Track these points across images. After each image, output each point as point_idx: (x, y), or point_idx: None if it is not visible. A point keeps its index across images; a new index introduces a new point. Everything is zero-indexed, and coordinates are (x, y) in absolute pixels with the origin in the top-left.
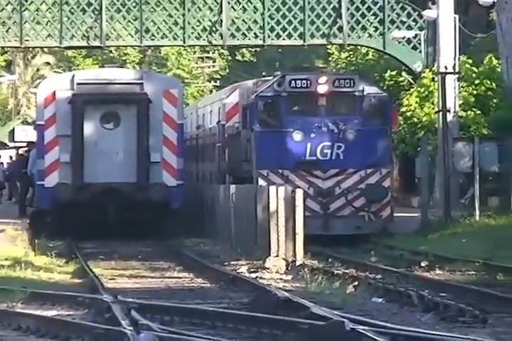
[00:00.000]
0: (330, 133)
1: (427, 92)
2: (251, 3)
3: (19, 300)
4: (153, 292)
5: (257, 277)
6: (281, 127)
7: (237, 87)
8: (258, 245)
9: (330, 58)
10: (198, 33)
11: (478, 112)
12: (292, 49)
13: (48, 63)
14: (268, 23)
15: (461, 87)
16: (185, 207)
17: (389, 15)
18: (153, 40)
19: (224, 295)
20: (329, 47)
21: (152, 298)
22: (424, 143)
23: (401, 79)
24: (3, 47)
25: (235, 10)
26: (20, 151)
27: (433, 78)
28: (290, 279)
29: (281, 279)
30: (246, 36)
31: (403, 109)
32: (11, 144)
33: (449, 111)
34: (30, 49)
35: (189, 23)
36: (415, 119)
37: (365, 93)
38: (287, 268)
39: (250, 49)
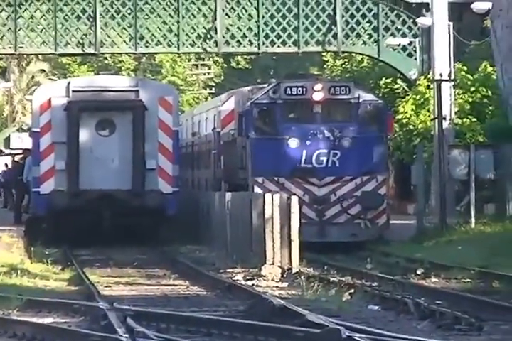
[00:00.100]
0: (325, 141)
1: (422, 100)
2: (245, 10)
3: (15, 307)
4: (149, 299)
5: (252, 285)
6: (276, 134)
7: (233, 94)
8: (254, 252)
9: (325, 65)
10: (193, 40)
11: (474, 119)
12: (287, 56)
13: (42, 70)
14: (263, 31)
15: (457, 94)
16: (180, 214)
17: (383, 23)
18: (147, 47)
19: (220, 303)
20: (324, 54)
21: (148, 306)
22: (419, 150)
23: (396, 86)
24: None
25: (229, 17)
26: (16, 158)
27: (428, 85)
28: (286, 287)
29: (276, 287)
30: (241, 43)
31: (399, 117)
32: (7, 151)
33: (444, 118)
34: (25, 56)
35: (183, 30)
36: (411, 126)
37: (360, 100)
38: (283, 276)
39: (245, 56)
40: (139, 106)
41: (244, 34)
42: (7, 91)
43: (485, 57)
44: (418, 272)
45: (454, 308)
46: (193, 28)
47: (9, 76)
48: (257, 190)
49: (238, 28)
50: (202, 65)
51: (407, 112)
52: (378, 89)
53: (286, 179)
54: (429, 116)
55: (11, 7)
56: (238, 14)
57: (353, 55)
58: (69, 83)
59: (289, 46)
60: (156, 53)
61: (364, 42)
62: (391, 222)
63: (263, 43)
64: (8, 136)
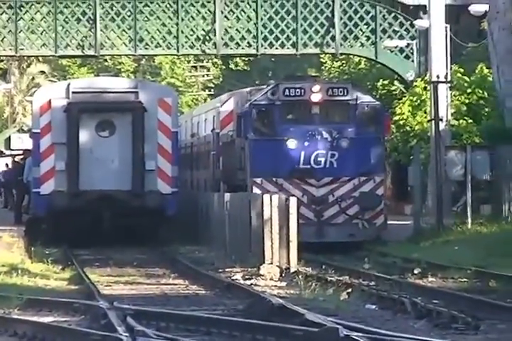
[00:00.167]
0: (324, 142)
1: (419, 101)
2: (244, 12)
3: (16, 306)
4: (149, 298)
5: (251, 284)
6: (275, 135)
7: (232, 95)
8: (252, 252)
9: (323, 67)
10: (192, 42)
11: (470, 121)
12: (285, 58)
13: (43, 72)
14: (261, 33)
15: (453, 95)
16: (179, 215)
17: (381, 25)
18: (147, 49)
19: (219, 302)
20: (322, 56)
21: (148, 305)
22: (416, 151)
23: (393, 88)
24: None
25: (228, 19)
26: (16, 159)
27: (425, 87)
28: (284, 286)
29: (275, 286)
30: (239, 45)
31: (396, 118)
32: (7, 152)
33: (441, 119)
34: (26, 58)
35: (183, 32)
36: (408, 128)
37: (358, 101)
38: (281, 275)
39: (244, 58)
40: (138, 108)
41: (242, 36)
42: (7, 93)
43: (481, 59)
44: (415, 272)
45: (451, 307)
46: (192, 30)
47: (10, 77)
48: (256, 190)
49: (237, 30)
50: (201, 66)
51: (404, 113)
52: (375, 91)
53: (284, 180)
54: (425, 117)
55: (11, 9)
56: (237, 16)
57: (351, 56)
58: (69, 85)
59: (288, 48)
60: (156, 55)
61: (362, 44)
62: (388, 222)
63: (261, 45)
64: (9, 137)
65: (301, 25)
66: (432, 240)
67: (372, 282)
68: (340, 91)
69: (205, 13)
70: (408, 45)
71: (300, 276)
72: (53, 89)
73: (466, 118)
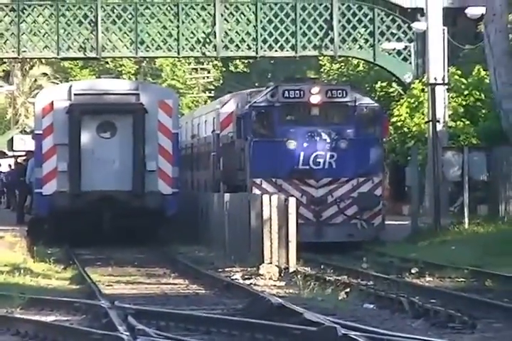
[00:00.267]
0: (323, 143)
1: (416, 103)
2: (244, 15)
3: (18, 305)
4: (150, 298)
5: (250, 283)
6: (274, 136)
7: (232, 97)
8: (251, 252)
9: (321, 69)
10: (192, 45)
11: (467, 122)
12: (284, 60)
13: (45, 74)
14: (261, 35)
15: (451, 97)
16: (180, 215)
17: (379, 28)
18: (148, 51)
19: (218, 302)
20: (321, 58)
21: (148, 304)
22: (414, 152)
23: (391, 90)
24: (1, 58)
25: (228, 22)
26: (19, 160)
27: (423, 89)
28: (283, 285)
29: (274, 285)
30: (239, 48)
31: (394, 119)
32: (10, 153)
33: (438, 121)
34: (28, 60)
35: (183, 35)
36: (405, 129)
37: (357, 103)
38: (280, 275)
39: (243, 60)
40: (139, 109)
41: (242, 39)
42: (10, 94)
43: (478, 62)
44: (413, 271)
45: (448, 307)
46: (192, 32)
47: (12, 79)
48: (256, 191)
49: (237, 32)
50: (201, 68)
51: (401, 115)
52: (374, 93)
53: (284, 180)
54: (423, 118)
55: (14, 12)
56: (237, 19)
57: (350, 59)
58: (71, 86)
59: (287, 50)
60: (157, 57)
61: (360, 47)
62: (386, 222)
63: (261, 48)
64: (11, 138)
65: (300, 27)
66: (430, 240)
67: (370, 281)
68: (339, 93)
69: (205, 15)
70: (406, 47)
71: (299, 276)
72: (55, 91)
73: (463, 119)
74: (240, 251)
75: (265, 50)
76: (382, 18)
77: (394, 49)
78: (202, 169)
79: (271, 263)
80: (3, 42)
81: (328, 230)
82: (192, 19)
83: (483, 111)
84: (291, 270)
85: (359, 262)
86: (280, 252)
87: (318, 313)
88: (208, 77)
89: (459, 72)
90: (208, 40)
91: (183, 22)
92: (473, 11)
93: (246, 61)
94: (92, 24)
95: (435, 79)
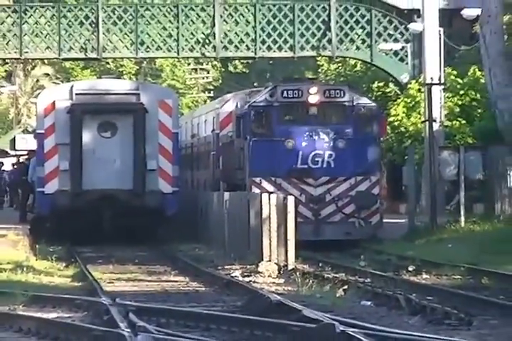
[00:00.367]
0: (321, 142)
1: (413, 103)
2: (243, 16)
3: (20, 302)
4: (150, 295)
5: (250, 281)
6: (273, 136)
7: (231, 97)
8: (251, 250)
9: (319, 70)
10: (192, 46)
11: (463, 122)
12: (283, 61)
13: (47, 74)
14: (259, 36)
15: (447, 97)
16: (180, 214)
17: (376, 29)
18: (148, 52)
19: (218, 299)
20: (318, 58)
21: (149, 301)
22: (411, 151)
23: (388, 90)
24: (3, 59)
25: (227, 23)
26: (21, 159)
27: (419, 89)
28: (282, 283)
29: (273, 283)
30: (238, 48)
31: (390, 119)
32: (12, 152)
33: (435, 120)
34: (30, 60)
35: (183, 36)
36: (402, 129)
37: (355, 103)
38: (279, 273)
39: (242, 61)
40: (139, 109)
41: (241, 39)
42: (13, 95)
43: (474, 62)
44: (410, 269)
45: (445, 304)
46: (192, 33)
47: (15, 79)
48: (255, 190)
49: (236, 33)
50: (201, 69)
51: (398, 115)
52: (371, 93)
53: (283, 179)
54: (420, 118)
55: (16, 13)
56: (236, 20)
57: (347, 59)
58: (72, 86)
59: (285, 51)
60: (157, 58)
61: (357, 47)
62: (384, 220)
63: (260, 48)
64: (14, 138)
65: (298, 28)
66: (426, 238)
67: (367, 279)
68: (337, 93)
69: (205, 17)
70: (403, 48)
71: (297, 273)
72: (57, 91)
73: (459, 119)
74: (240, 249)
75: (264, 51)
76: (379, 19)
77: (391, 50)
78: (202, 168)
79: (270, 260)
80: (5, 43)
81: (327, 228)
82: (191, 20)
83: (479, 110)
84: (289, 267)
85: (357, 260)
86: (279, 250)
87: (317, 310)
88: (207, 77)
89: (455, 73)
90: (207, 40)
91: (182, 23)
92: (469, 12)
93: (245, 61)
94: (93, 25)
95: (431, 79)
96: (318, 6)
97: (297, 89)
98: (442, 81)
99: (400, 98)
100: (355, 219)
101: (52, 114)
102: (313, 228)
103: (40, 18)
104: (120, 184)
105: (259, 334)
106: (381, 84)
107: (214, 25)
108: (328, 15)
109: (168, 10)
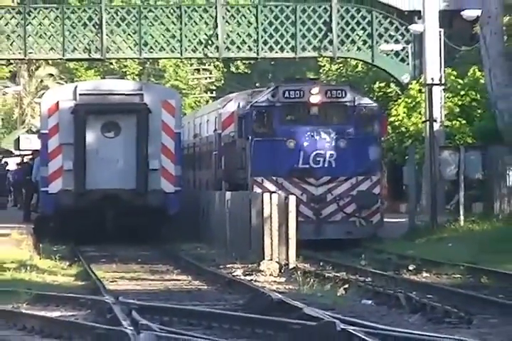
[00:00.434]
0: (322, 142)
1: (414, 103)
2: (245, 17)
3: (24, 301)
4: (153, 294)
5: (251, 280)
6: (275, 136)
7: (233, 97)
8: (252, 249)
9: (321, 70)
10: (195, 46)
11: (463, 122)
12: (284, 61)
13: (51, 74)
14: (261, 37)
15: (447, 97)
16: (182, 213)
17: (377, 30)
18: (151, 52)
19: (220, 297)
20: (320, 59)
21: (152, 300)
22: (411, 151)
23: (389, 90)
24: (8, 60)
25: (229, 24)
26: (25, 159)
27: (420, 89)
28: (283, 282)
29: (274, 282)
30: (240, 49)
31: (391, 119)
32: (16, 152)
33: (435, 120)
34: (34, 61)
35: (186, 37)
36: (403, 129)
37: (356, 103)
38: (280, 271)
39: (244, 61)
40: (143, 109)
41: (243, 40)
42: (17, 95)
43: (474, 63)
44: (410, 268)
45: (445, 302)
46: (194, 34)
47: (19, 80)
48: (257, 189)
49: (238, 34)
50: (203, 69)
51: (399, 115)
52: (372, 93)
53: (284, 179)
54: (420, 118)
55: (20, 14)
56: (238, 21)
57: (348, 60)
58: (76, 87)
59: (287, 52)
60: (160, 58)
61: (359, 48)
62: (384, 220)
63: (262, 49)
64: (18, 138)
65: (300, 29)
66: (426, 237)
67: (368, 278)
68: (339, 93)
69: (207, 18)
70: (403, 48)
71: (299, 272)
72: (61, 91)
73: (459, 119)
74: (241, 248)
75: (266, 52)
76: (380, 21)
77: (392, 50)
78: (204, 168)
79: (271, 259)
80: (10, 44)
81: (328, 228)
82: (194, 21)
83: (479, 111)
84: (291, 266)
85: (357, 259)
86: (280, 249)
87: (318, 309)
88: (209, 78)
89: (455, 73)
90: (210, 41)
91: (185, 24)
92: (469, 13)
93: (247, 62)
94: (97, 26)
95: (432, 79)
96: (320, 7)
97: (299, 89)
98: (443, 81)
99: (400, 98)
100: (356, 219)
101: (56, 114)
102: (314, 227)
103: (44, 19)
104: (123, 183)
105: (261, 332)
106: (382, 84)
107: (216, 26)
108: (330, 17)
109: (171, 11)
